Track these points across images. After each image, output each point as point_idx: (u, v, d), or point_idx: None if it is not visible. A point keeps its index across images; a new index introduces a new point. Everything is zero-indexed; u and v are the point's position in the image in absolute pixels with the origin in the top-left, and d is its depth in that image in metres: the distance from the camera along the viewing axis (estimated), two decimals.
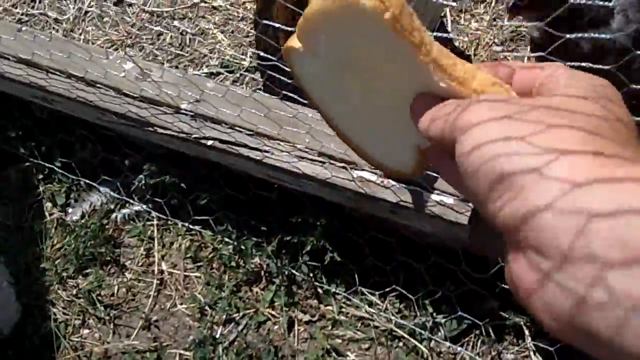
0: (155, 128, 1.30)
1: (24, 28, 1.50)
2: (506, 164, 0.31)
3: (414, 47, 0.40)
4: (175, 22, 1.80)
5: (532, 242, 0.30)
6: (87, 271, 1.57)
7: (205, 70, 1.69)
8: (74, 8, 1.88)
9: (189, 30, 1.77)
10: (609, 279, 0.27)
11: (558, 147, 0.30)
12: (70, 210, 1.65)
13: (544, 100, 0.35)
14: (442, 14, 1.53)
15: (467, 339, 1.29)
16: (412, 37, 0.40)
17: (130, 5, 1.87)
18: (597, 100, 0.34)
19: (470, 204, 1.05)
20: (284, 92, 1.08)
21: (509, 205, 0.31)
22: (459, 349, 1.28)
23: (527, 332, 1.22)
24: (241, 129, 1.24)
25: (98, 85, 1.36)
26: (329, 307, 1.42)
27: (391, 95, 0.47)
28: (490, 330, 1.27)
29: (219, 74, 1.66)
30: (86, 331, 1.52)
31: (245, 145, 1.22)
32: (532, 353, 1.24)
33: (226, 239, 1.49)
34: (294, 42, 0.46)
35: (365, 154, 0.55)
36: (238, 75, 1.63)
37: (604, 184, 0.28)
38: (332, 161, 1.16)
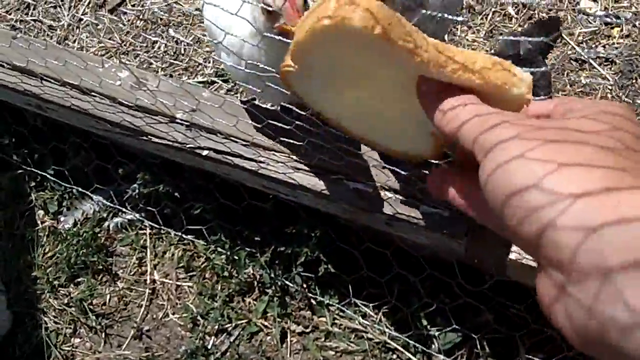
0: (150, 137, 1.28)
1: (18, 35, 1.48)
2: (510, 185, 0.34)
3: (409, 52, 0.41)
4: (170, 31, 1.79)
5: (547, 257, 0.32)
6: (78, 280, 1.55)
7: (200, 78, 1.67)
8: (68, 15, 1.86)
9: (183, 38, 1.76)
10: (625, 293, 0.27)
11: (574, 190, 0.31)
12: (62, 218, 1.63)
13: (559, 133, 0.35)
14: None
15: (461, 352, 1.28)
16: (405, 43, 0.41)
17: (125, 13, 1.85)
18: (610, 131, 0.35)
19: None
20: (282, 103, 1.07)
21: (526, 222, 0.33)
22: None
23: (521, 346, 1.22)
24: (237, 139, 1.23)
25: (93, 93, 1.34)
26: (323, 319, 1.40)
27: (394, 91, 0.47)
28: (485, 344, 1.26)
29: (213, 82, 1.65)
30: (77, 340, 1.50)
31: (240, 156, 1.21)
32: None
33: (219, 249, 1.47)
34: (288, 64, 0.47)
35: (379, 145, 0.57)
36: (232, 84, 1.62)
37: (611, 198, 0.30)
38: (328, 172, 1.15)
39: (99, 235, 1.58)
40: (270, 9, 0.74)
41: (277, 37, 0.72)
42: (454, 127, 0.40)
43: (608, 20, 1.45)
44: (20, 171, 1.66)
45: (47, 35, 1.83)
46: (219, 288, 1.47)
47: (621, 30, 1.46)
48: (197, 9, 1.79)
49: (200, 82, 1.64)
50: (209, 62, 1.69)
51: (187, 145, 1.24)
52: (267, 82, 0.86)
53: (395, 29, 0.40)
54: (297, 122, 1.02)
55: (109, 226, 1.59)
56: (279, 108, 1.09)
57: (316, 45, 0.43)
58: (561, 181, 0.32)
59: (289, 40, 0.74)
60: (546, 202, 0.31)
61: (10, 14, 1.89)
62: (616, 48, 1.44)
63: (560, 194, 0.31)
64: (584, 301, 0.29)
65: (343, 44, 0.42)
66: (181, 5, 1.82)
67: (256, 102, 1.20)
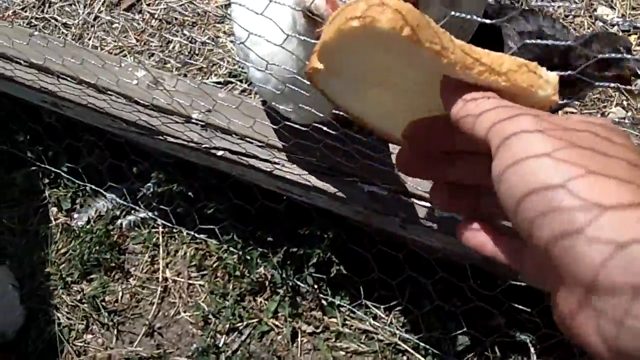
0: (166, 137, 1.30)
1: (36, 33, 1.50)
2: (533, 182, 0.32)
3: (436, 54, 0.41)
4: (185, 31, 1.80)
5: (565, 266, 0.31)
6: (91, 276, 1.57)
7: (214, 79, 1.69)
8: (83, 13, 1.88)
9: (198, 38, 1.77)
10: None
11: (603, 202, 0.31)
12: (75, 215, 1.65)
13: (588, 139, 0.35)
14: None
15: (471, 355, 1.29)
16: (433, 45, 0.41)
17: (140, 11, 1.87)
18: (631, 147, 0.35)
19: None
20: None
21: (545, 223, 0.32)
22: None
23: (532, 350, 1.23)
24: (252, 140, 1.24)
25: (109, 92, 1.36)
26: (333, 319, 1.42)
27: (419, 90, 0.48)
28: (496, 347, 1.27)
29: (227, 83, 1.66)
30: (90, 336, 1.52)
31: (255, 157, 1.22)
32: None
33: (231, 249, 1.49)
34: (316, 63, 0.48)
35: (390, 136, 0.56)
36: (248, 84, 1.63)
37: (633, 212, 0.30)
38: (343, 175, 1.16)
39: (112, 232, 1.60)
40: (311, 13, 0.73)
41: (314, 41, 0.72)
42: (473, 113, 0.39)
43: (625, 27, 1.46)
44: (34, 168, 1.68)
45: (62, 33, 1.84)
46: (231, 287, 1.48)
47: (638, 38, 1.46)
48: (216, 7, 1.81)
49: (215, 83, 1.66)
50: (224, 62, 1.71)
51: (203, 145, 1.26)
52: (300, 104, 0.87)
53: (423, 30, 0.41)
54: (313, 124, 1.04)
55: (121, 224, 1.60)
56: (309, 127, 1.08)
57: (343, 45, 0.44)
58: (590, 189, 0.31)
59: None
60: (572, 207, 0.31)
61: (26, 11, 1.91)
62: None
63: (589, 202, 0.31)
64: (614, 316, 0.29)
65: (370, 44, 0.43)
66: (195, 5, 1.84)
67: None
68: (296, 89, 0.84)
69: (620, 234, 0.29)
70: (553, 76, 0.43)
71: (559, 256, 0.31)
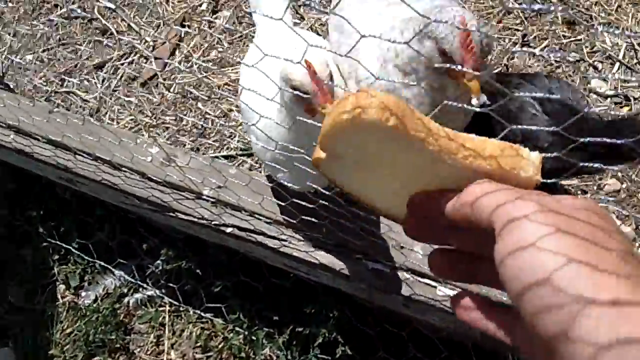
0: (177, 213, 1.46)
1: (55, 110, 1.71)
2: (534, 274, 0.37)
3: (421, 141, 0.51)
4: (200, 104, 2.01)
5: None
6: (95, 359, 1.70)
7: (225, 152, 1.87)
8: (101, 88, 2.12)
9: (211, 114, 1.98)
10: None
11: (600, 297, 0.35)
12: (83, 293, 1.81)
13: (588, 229, 0.39)
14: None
15: None
16: (418, 133, 0.51)
17: (156, 86, 2.09)
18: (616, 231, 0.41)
19: None
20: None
21: (547, 319, 0.36)
22: None
23: None
24: (260, 217, 1.40)
25: (124, 168, 1.54)
26: None
27: (412, 169, 0.57)
28: None
29: (238, 156, 1.85)
30: None
31: (263, 234, 1.38)
32: None
33: (237, 328, 1.62)
34: (319, 153, 0.60)
35: (392, 215, 0.64)
36: (256, 160, 1.81)
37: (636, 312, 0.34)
38: (348, 251, 1.30)
39: (119, 311, 1.74)
40: (295, 88, 0.90)
41: (300, 117, 0.89)
42: (469, 200, 0.45)
43: (617, 99, 1.63)
44: (45, 244, 1.86)
45: (80, 107, 2.07)
46: None
47: (630, 109, 1.63)
48: (225, 84, 2.02)
49: (226, 156, 1.84)
50: (235, 137, 1.90)
51: (213, 222, 1.42)
52: (295, 163, 1.03)
53: (408, 119, 0.50)
54: (320, 201, 1.19)
55: (129, 302, 1.75)
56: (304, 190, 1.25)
57: (340, 136, 0.55)
58: (590, 284, 0.35)
59: (313, 122, 0.90)
60: (571, 303, 0.35)
61: (46, 85, 2.15)
62: None
63: (588, 300, 0.35)
64: None
65: (364, 134, 0.53)
66: (210, 79, 2.06)
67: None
68: (289, 145, 1.01)
69: (612, 332, 0.34)
70: (535, 156, 0.51)
71: (560, 351, 0.36)
